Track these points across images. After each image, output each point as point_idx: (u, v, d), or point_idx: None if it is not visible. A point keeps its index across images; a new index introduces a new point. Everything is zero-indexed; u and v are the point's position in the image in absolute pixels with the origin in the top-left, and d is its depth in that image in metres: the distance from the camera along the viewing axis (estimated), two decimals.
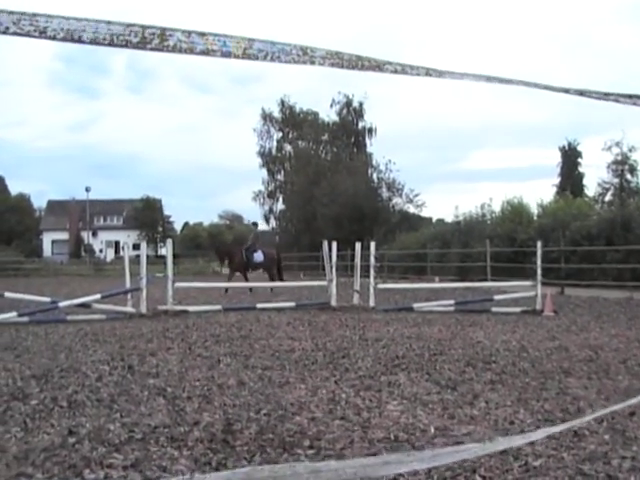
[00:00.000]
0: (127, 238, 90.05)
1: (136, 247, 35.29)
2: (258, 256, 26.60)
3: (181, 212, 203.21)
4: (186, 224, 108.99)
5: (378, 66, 2.17)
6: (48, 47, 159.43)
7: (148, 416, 5.80)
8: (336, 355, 9.34)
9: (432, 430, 5.35)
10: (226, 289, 24.23)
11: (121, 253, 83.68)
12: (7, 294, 15.46)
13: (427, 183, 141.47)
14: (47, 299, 15.78)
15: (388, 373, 7.95)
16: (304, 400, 6.42)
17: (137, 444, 4.97)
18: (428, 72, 2.36)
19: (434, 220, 59.42)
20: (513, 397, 6.59)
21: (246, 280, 26.38)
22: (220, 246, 31.37)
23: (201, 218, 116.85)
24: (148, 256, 16.64)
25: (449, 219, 48.13)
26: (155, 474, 4.31)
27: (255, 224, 33.39)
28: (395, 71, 2.22)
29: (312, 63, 2.05)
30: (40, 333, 12.10)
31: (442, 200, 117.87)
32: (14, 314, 14.06)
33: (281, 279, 27.01)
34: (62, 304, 15.12)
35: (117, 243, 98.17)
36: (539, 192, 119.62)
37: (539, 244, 17.53)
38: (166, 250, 17.12)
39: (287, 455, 4.73)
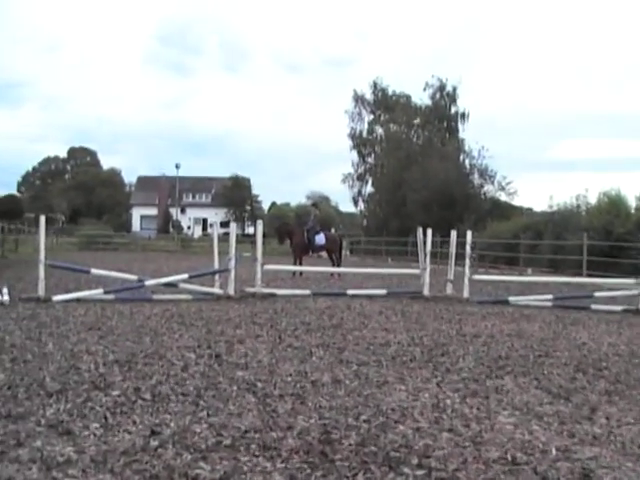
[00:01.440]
0: (215, 216, 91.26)
1: (224, 225, 35.28)
2: (320, 238, 25.73)
3: (269, 192, 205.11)
4: (273, 204, 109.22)
5: None
6: (145, 26, 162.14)
7: (237, 416, 5.31)
8: (434, 352, 8.76)
9: (553, 451, 4.74)
10: (300, 272, 23.35)
11: (208, 230, 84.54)
12: (94, 271, 15.25)
13: (516, 170, 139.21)
14: (134, 277, 15.54)
15: (493, 376, 7.34)
16: (406, 405, 5.86)
17: (226, 451, 4.47)
18: None
19: (524, 209, 58.27)
20: (635, 412, 5.94)
21: (300, 264, 25.07)
22: (281, 225, 29.99)
23: (289, 199, 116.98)
24: (236, 235, 16.23)
25: (537, 208, 47.00)
26: None
27: (315, 205, 32.53)
28: None
29: None
30: (125, 312, 11.82)
31: (531, 188, 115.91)
32: (100, 291, 13.89)
33: (338, 264, 26.05)
34: (149, 282, 14.88)
35: (205, 220, 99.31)
36: (636, 184, 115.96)
37: None
38: (255, 231, 16.73)
39: (394, 475, 4.17)
